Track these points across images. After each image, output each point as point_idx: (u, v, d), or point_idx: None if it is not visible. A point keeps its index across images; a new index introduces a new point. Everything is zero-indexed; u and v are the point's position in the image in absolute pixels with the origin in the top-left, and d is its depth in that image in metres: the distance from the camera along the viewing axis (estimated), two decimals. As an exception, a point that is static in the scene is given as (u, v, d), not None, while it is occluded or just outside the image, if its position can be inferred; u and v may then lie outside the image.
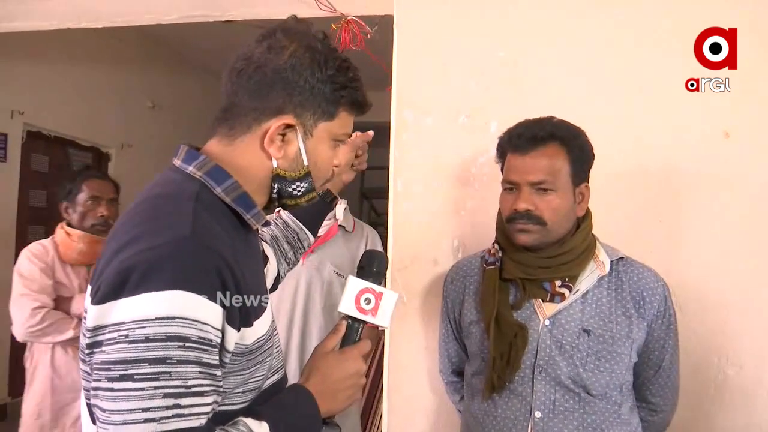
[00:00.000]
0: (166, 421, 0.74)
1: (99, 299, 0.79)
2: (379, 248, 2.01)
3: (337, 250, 2.03)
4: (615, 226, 1.60)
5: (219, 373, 0.82)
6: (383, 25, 1.94)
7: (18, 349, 4.28)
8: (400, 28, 1.81)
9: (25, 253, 2.23)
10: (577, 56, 1.70)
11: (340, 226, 2.05)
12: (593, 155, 1.28)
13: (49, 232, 4.50)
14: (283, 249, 1.33)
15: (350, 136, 1.03)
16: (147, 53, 5.17)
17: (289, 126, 0.93)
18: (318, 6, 2.04)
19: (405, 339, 1.76)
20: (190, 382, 0.77)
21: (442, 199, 1.77)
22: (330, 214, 2.06)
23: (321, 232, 2.03)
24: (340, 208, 2.07)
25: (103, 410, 0.75)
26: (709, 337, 1.60)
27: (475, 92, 1.75)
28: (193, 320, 0.77)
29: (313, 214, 1.37)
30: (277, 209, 1.21)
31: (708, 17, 1.60)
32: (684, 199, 1.63)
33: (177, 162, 0.95)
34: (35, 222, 4.41)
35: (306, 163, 0.96)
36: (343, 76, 0.95)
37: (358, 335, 1.04)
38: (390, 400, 1.78)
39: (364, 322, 1.04)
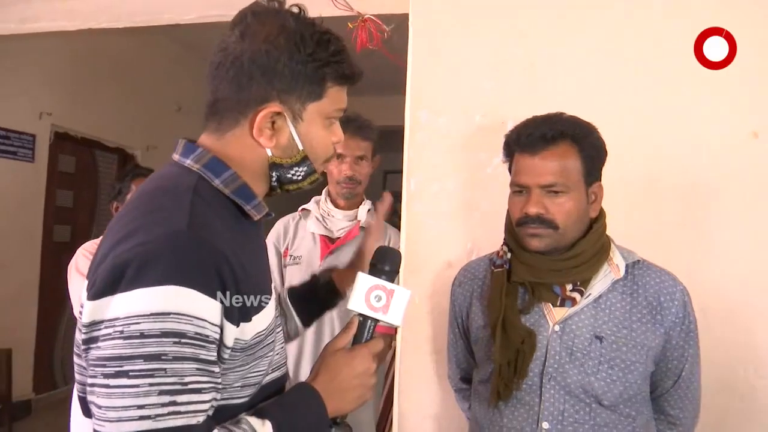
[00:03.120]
0: (162, 418, 0.73)
1: (94, 294, 0.78)
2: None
3: None
4: (637, 230, 1.54)
5: (217, 369, 0.80)
6: (400, 24, 1.91)
7: (42, 347, 4.39)
8: (415, 27, 1.79)
9: (81, 252, 2.13)
10: (594, 53, 1.64)
11: (361, 227, 2.01)
12: (606, 152, 1.22)
13: (74, 232, 4.66)
14: None
15: (344, 110, 0.98)
16: (173, 56, 5.24)
17: (277, 113, 0.90)
18: (334, 5, 2.02)
19: (416, 343, 1.73)
20: (187, 379, 0.75)
21: (456, 200, 1.73)
22: (351, 215, 2.03)
23: (341, 234, 2.01)
24: (363, 209, 2.04)
25: (99, 407, 0.74)
26: (736, 347, 1.53)
27: (491, 91, 1.71)
28: (189, 316, 0.75)
29: (316, 303, 1.31)
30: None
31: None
32: (708, 202, 1.56)
33: (176, 156, 0.93)
34: (61, 222, 4.50)
35: (301, 147, 0.93)
36: (324, 51, 0.90)
37: (370, 334, 1.01)
38: (400, 405, 1.74)
39: (376, 320, 1.01)
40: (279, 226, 2.10)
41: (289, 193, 1.00)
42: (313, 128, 0.94)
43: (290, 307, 1.28)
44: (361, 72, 0.96)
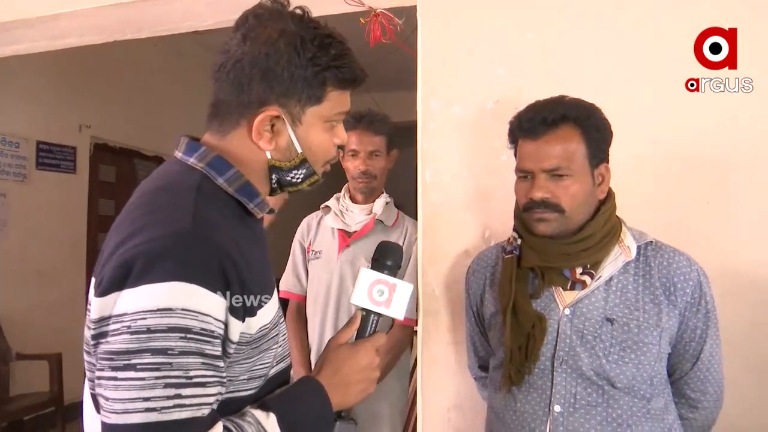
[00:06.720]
0: (167, 410, 0.75)
1: (102, 291, 0.80)
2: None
3: (373, 245, 2.01)
4: (657, 210, 1.50)
5: (222, 364, 0.82)
6: (410, 17, 1.91)
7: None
8: (423, 16, 1.78)
9: None
10: (610, 34, 1.60)
11: (377, 220, 2.03)
12: (611, 133, 1.20)
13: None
14: None
15: (347, 113, 0.99)
16: (206, 64, 5.32)
17: (275, 117, 0.91)
18: (345, 1, 2.03)
19: (437, 333, 1.72)
20: (192, 373, 0.77)
21: (471, 189, 1.72)
22: (368, 209, 2.05)
23: (358, 227, 2.03)
24: (380, 202, 2.06)
25: (107, 399, 0.77)
26: (769, 329, 1.46)
27: (503, 77, 1.69)
28: (194, 311, 0.77)
29: None
30: None
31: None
32: (734, 178, 1.50)
33: (178, 154, 0.96)
34: (104, 230, 4.62)
35: (300, 150, 0.94)
36: (325, 55, 0.90)
37: (373, 328, 1.03)
38: (424, 396, 1.74)
39: (379, 315, 1.02)
40: (303, 223, 2.18)
41: (290, 194, 1.02)
42: (313, 131, 0.94)
43: None
44: (364, 75, 0.96)
